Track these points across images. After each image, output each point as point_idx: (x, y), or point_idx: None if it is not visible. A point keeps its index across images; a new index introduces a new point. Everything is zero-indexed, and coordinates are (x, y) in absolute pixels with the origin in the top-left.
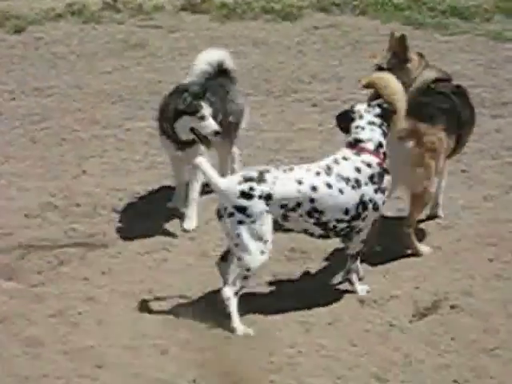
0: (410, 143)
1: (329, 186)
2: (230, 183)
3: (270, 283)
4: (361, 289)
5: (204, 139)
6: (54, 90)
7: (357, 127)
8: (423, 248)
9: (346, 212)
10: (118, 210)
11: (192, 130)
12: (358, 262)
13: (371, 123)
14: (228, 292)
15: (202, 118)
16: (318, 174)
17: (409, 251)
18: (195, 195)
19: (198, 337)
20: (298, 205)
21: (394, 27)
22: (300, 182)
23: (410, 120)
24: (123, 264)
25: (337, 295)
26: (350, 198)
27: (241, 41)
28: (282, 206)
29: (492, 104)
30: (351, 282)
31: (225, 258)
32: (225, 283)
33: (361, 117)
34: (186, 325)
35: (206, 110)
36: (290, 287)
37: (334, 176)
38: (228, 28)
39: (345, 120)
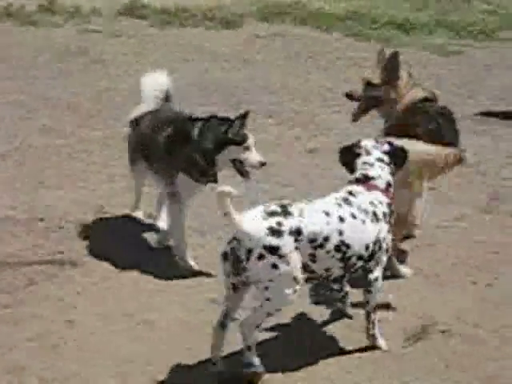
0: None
1: (353, 216)
2: (254, 220)
3: None
4: (384, 343)
5: (245, 171)
6: None
7: (364, 163)
8: (404, 270)
9: (367, 248)
10: (84, 224)
11: (234, 161)
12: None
13: (380, 160)
14: (250, 328)
15: (248, 148)
16: (339, 205)
17: (389, 273)
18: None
19: (188, 364)
20: (326, 239)
21: (335, 37)
22: (327, 214)
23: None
24: (97, 284)
25: (324, 320)
26: (371, 231)
27: (185, 48)
28: (310, 242)
29: None
30: (375, 337)
31: (224, 323)
32: (215, 354)
33: (368, 153)
34: (174, 350)
35: (251, 139)
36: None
37: (356, 207)
38: (169, 34)
39: (349, 155)
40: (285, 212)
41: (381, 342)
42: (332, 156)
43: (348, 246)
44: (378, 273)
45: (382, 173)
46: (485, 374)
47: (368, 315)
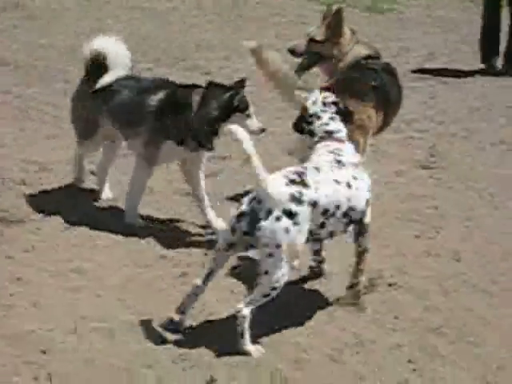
0: None
1: (355, 178)
2: (277, 183)
3: None
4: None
5: None
6: None
7: (320, 125)
8: None
9: (367, 202)
10: (28, 182)
11: None
12: None
13: (332, 118)
14: (245, 311)
15: (249, 115)
16: (340, 168)
17: None
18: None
19: (142, 320)
20: (338, 207)
21: None
22: (337, 182)
23: (340, 95)
24: (46, 241)
25: None
26: (368, 184)
27: (114, 5)
28: (324, 213)
29: None
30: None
31: (206, 281)
32: (182, 309)
33: (319, 118)
34: (126, 306)
35: (252, 106)
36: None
37: (351, 167)
38: None
39: (302, 125)
40: (303, 183)
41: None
42: (273, 113)
43: (354, 209)
44: (369, 215)
45: (339, 126)
46: (431, 324)
47: (361, 256)
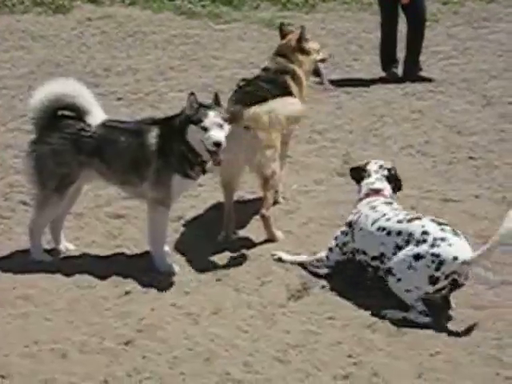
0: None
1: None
2: None
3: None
4: None
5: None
6: None
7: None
8: (276, 233)
9: None
10: None
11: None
12: None
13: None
14: None
15: (205, 129)
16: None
17: (263, 238)
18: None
19: (93, 339)
20: None
21: (167, 17)
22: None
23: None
24: None
25: (211, 284)
26: None
27: (18, 35)
28: None
29: None
30: None
31: None
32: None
33: (369, 175)
34: (76, 327)
35: (212, 119)
36: (166, 279)
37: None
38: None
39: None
40: None
41: None
42: None
43: None
44: None
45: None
46: (367, 322)
47: None
